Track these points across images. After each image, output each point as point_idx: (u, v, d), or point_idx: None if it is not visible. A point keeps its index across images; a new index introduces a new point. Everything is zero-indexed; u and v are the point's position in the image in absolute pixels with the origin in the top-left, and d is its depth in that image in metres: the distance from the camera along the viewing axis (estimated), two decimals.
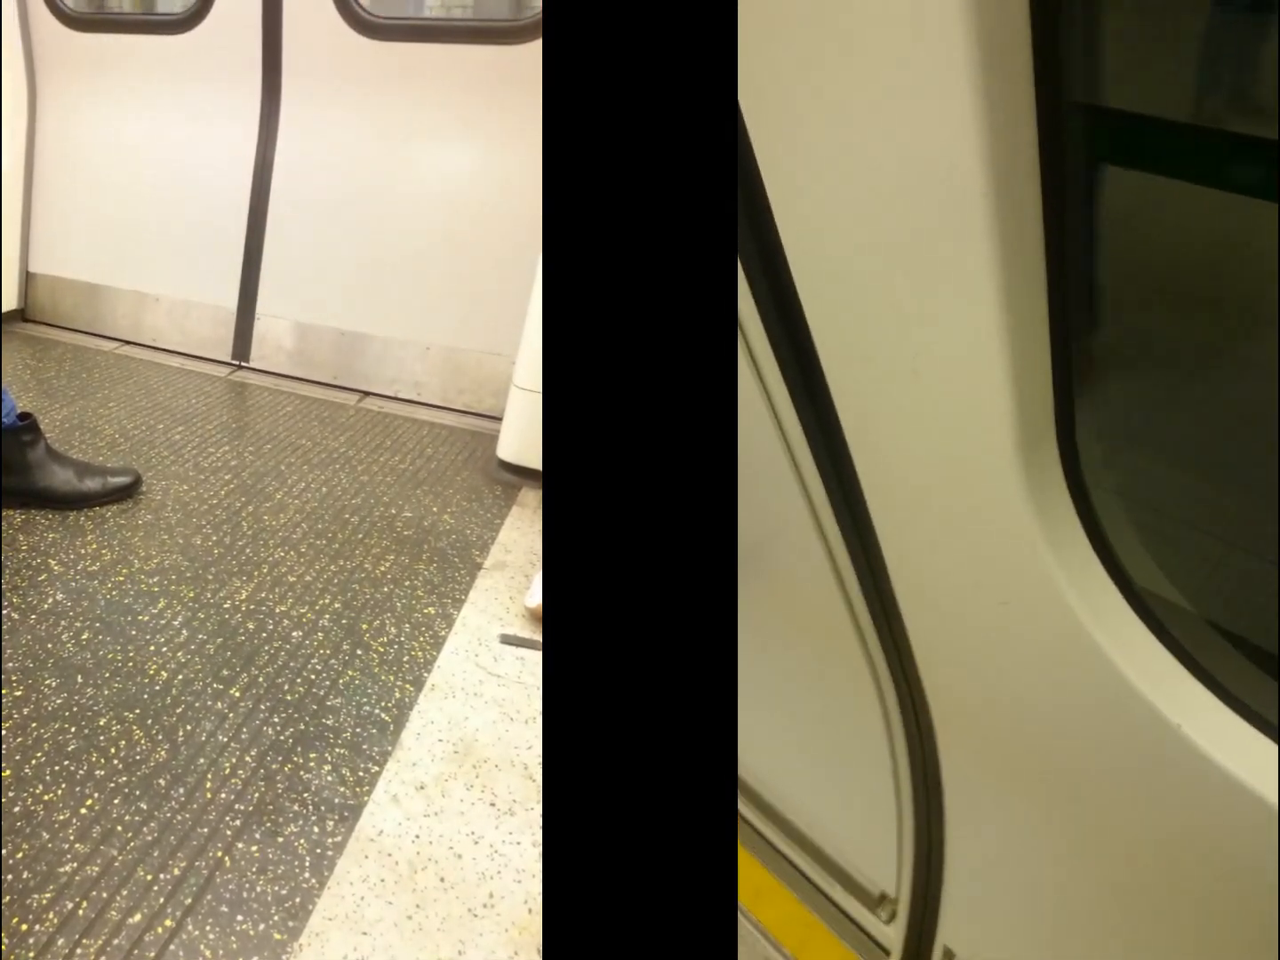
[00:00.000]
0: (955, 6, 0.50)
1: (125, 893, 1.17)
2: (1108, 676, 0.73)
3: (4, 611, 1.68)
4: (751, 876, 1.51)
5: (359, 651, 1.69)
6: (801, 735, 1.38)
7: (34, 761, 1.35)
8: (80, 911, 1.14)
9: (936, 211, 0.61)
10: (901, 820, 1.22)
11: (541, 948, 1.16)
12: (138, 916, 1.14)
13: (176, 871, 1.20)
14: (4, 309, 3.22)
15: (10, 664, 1.54)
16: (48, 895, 1.15)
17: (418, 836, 1.30)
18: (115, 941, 1.11)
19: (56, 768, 1.34)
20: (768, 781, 1.54)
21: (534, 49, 2.60)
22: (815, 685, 1.27)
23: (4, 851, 1.20)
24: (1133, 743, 0.76)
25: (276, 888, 1.20)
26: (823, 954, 1.41)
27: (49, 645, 1.60)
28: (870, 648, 1.06)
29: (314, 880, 1.21)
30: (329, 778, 1.39)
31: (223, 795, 1.33)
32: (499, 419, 2.52)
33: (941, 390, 0.70)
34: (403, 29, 2.77)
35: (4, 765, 1.34)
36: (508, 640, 1.77)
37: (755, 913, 1.46)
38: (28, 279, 3.33)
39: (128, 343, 3.23)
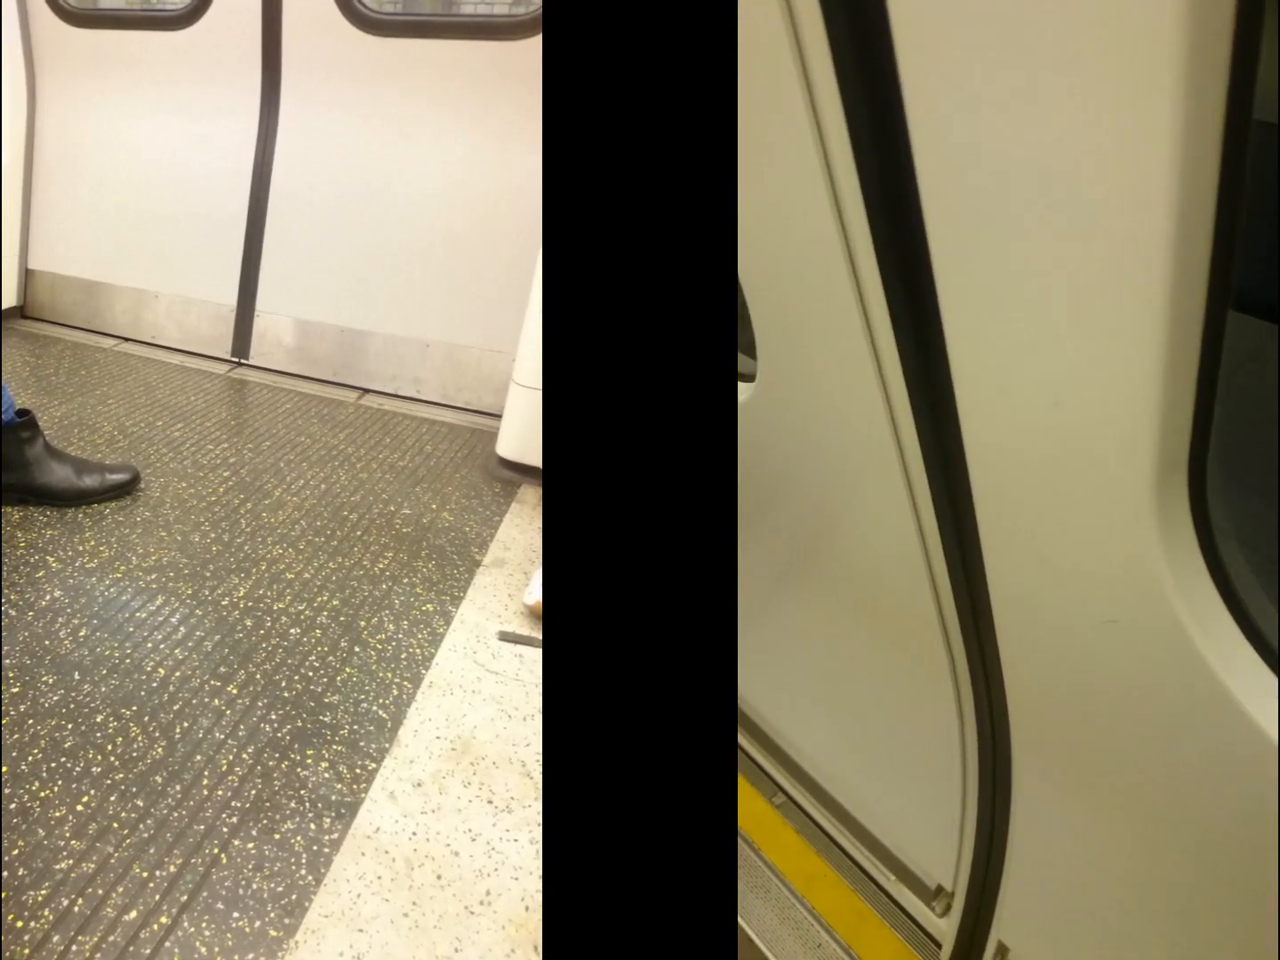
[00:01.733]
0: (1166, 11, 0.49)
1: (121, 889, 1.16)
2: (1214, 693, 0.75)
3: (2, 608, 1.67)
4: (805, 864, 1.53)
5: (357, 648, 1.69)
6: (865, 726, 1.40)
7: (31, 758, 1.35)
8: (76, 908, 1.13)
9: (1112, 241, 0.60)
10: (965, 815, 1.23)
11: (541, 945, 1.15)
12: (134, 913, 1.14)
13: (173, 868, 1.20)
14: (3, 306, 3.22)
15: (8, 661, 1.54)
16: (43, 892, 1.15)
17: (415, 834, 1.29)
18: (111, 938, 1.10)
19: (53, 764, 1.34)
20: (826, 770, 1.55)
21: (534, 45, 2.60)
22: (885, 677, 1.28)
23: (0, 848, 1.20)
24: (1235, 761, 0.78)
25: (273, 885, 1.20)
26: (875, 943, 1.42)
27: (46, 642, 1.60)
28: (952, 645, 1.08)
29: (310, 877, 1.21)
30: (326, 775, 1.38)
31: (219, 792, 1.33)
32: (498, 416, 2.52)
33: (1082, 421, 0.71)
34: (402, 24, 2.77)
35: (1, 762, 1.33)
36: (506, 637, 1.77)
37: (809, 899, 1.48)
38: (27, 276, 3.32)
39: (127, 340, 3.22)
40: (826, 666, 1.40)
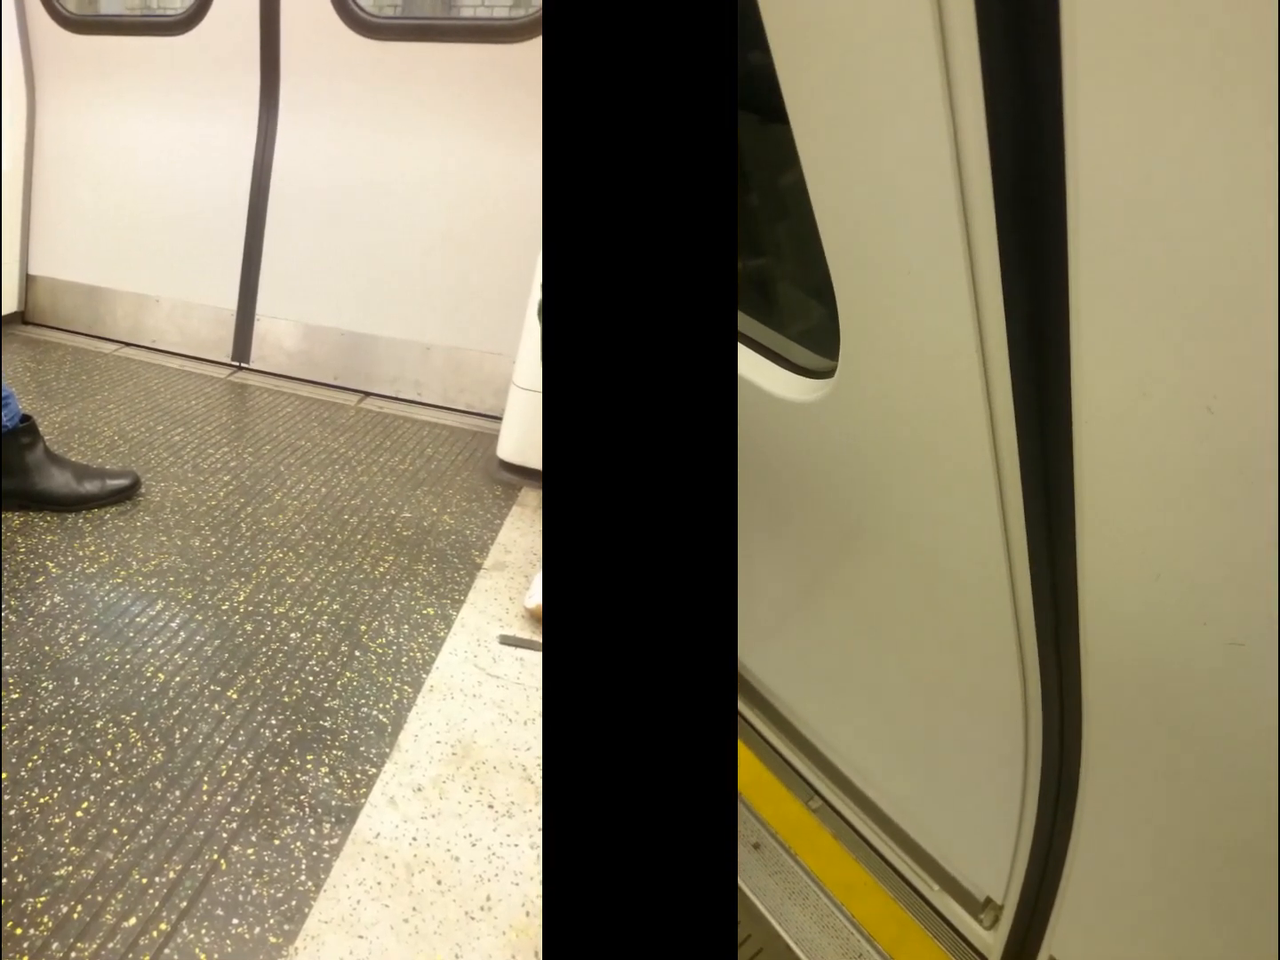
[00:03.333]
0: None
1: (120, 896, 1.16)
2: None
3: (2, 614, 1.67)
4: (843, 871, 1.51)
5: (357, 653, 1.68)
6: (913, 731, 1.37)
7: (30, 764, 1.34)
8: (75, 915, 1.13)
9: None
10: (1021, 825, 1.20)
11: (541, 951, 1.15)
12: (133, 920, 1.13)
13: (172, 875, 1.20)
14: (4, 311, 3.22)
15: (7, 666, 1.54)
16: (43, 899, 1.14)
17: (415, 839, 1.29)
18: (110, 945, 1.10)
19: (53, 770, 1.34)
20: (869, 775, 1.53)
21: (534, 47, 2.60)
22: (942, 681, 1.25)
23: None
24: None
25: (272, 891, 1.19)
26: (918, 954, 1.40)
27: (46, 648, 1.59)
28: (1025, 652, 1.04)
29: (310, 883, 1.21)
30: (326, 780, 1.38)
31: (219, 798, 1.32)
32: (499, 419, 2.51)
33: (1239, 427, 0.66)
34: (401, 28, 2.77)
35: (0, 768, 1.33)
36: (507, 641, 1.76)
37: (849, 907, 1.46)
38: (28, 281, 3.32)
39: (128, 344, 3.22)
40: (874, 666, 1.36)
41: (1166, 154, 0.59)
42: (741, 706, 1.80)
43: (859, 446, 1.12)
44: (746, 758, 1.70)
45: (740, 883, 1.49)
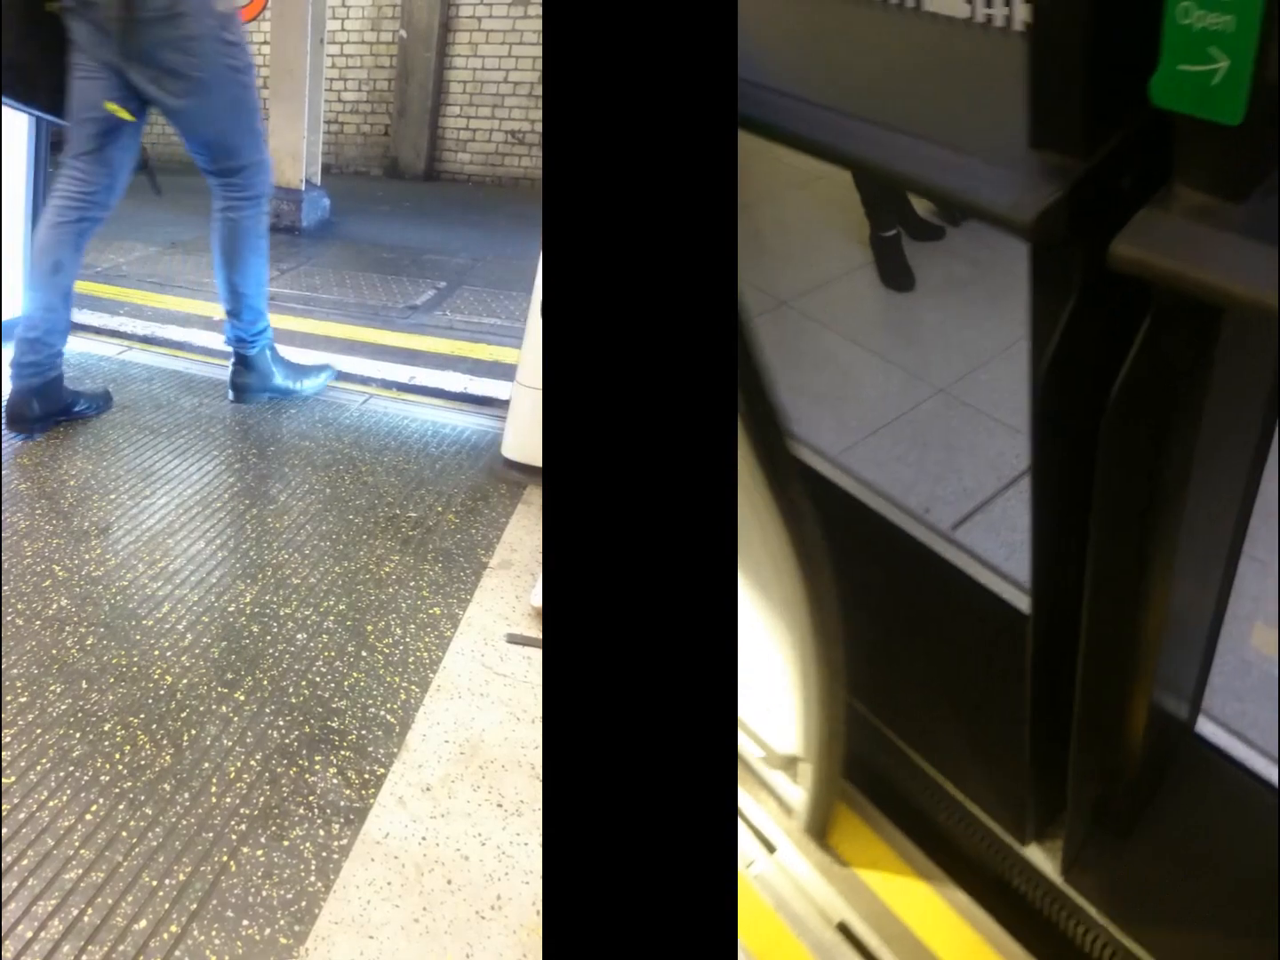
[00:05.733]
0: None
1: (130, 898, 1.16)
2: None
3: (8, 618, 1.67)
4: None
5: (364, 653, 1.68)
6: None
7: (39, 768, 1.34)
8: (85, 918, 1.13)
9: None
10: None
11: (542, 947, 1.15)
12: (143, 922, 1.13)
13: (182, 877, 1.20)
14: (7, 316, 3.22)
15: (15, 670, 1.54)
16: (52, 902, 1.15)
17: (424, 839, 1.29)
18: (120, 948, 1.10)
19: (61, 774, 1.34)
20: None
21: None
22: None
23: (8, 858, 1.20)
24: None
25: (282, 892, 1.19)
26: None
27: (53, 651, 1.60)
28: None
29: (320, 884, 1.21)
30: (334, 780, 1.38)
31: (228, 799, 1.32)
32: (504, 417, 2.51)
33: None
34: None
35: (8, 772, 1.33)
36: (514, 639, 1.76)
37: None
38: None
39: (131, 345, 3.22)
40: None
41: None
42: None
43: None
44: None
45: None
